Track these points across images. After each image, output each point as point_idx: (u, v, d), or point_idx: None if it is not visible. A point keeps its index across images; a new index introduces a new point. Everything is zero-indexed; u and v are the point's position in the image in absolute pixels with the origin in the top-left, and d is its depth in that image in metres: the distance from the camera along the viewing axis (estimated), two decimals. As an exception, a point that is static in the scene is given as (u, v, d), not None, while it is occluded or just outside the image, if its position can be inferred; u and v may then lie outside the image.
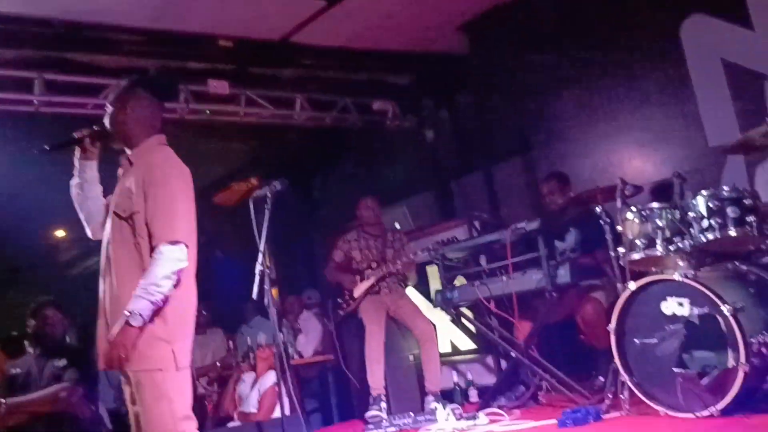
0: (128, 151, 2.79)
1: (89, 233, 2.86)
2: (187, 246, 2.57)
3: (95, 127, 2.78)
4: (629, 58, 5.21)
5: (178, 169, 2.67)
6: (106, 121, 2.79)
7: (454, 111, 6.76)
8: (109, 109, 2.79)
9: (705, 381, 3.08)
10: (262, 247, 3.91)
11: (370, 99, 6.57)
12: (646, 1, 5.17)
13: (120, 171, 2.83)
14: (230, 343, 6.28)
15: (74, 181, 2.82)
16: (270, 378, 4.92)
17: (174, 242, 2.53)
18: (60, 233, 9.51)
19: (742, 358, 2.95)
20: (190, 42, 5.20)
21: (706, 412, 3.06)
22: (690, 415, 3.12)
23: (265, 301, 3.95)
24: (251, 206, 3.93)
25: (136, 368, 2.58)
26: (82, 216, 2.83)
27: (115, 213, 2.66)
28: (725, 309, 3.02)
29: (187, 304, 2.66)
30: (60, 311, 4.09)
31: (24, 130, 4.94)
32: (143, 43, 5.05)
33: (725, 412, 3.01)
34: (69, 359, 3.64)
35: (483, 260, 4.97)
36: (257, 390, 5.01)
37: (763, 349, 2.97)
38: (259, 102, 5.82)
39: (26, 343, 4.37)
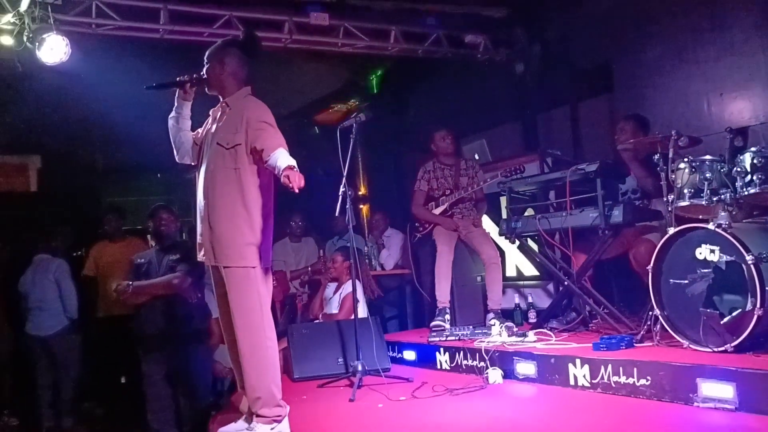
0: (221, 98, 3.49)
1: (177, 157, 3.60)
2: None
3: (195, 75, 3.46)
4: (719, 4, 5.22)
5: (268, 112, 3.39)
6: (205, 72, 3.47)
7: (545, 46, 6.90)
8: (208, 62, 3.47)
9: (724, 321, 3.42)
10: (345, 171, 4.42)
11: (463, 32, 6.79)
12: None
13: (212, 112, 3.55)
14: (321, 251, 6.99)
15: (172, 115, 3.54)
16: (351, 286, 5.56)
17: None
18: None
19: (758, 304, 3.26)
20: (295, -23, 5.67)
21: (721, 348, 3.42)
22: (708, 349, 3.49)
23: (346, 218, 4.51)
24: (338, 135, 4.42)
25: (235, 264, 3.28)
26: (174, 143, 3.57)
27: (219, 144, 3.35)
28: (749, 258, 3.31)
29: (269, 217, 3.40)
30: (172, 213, 4.82)
31: (148, 57, 5.66)
32: (254, -21, 5.57)
33: (738, 348, 3.36)
34: (182, 254, 4.38)
35: (552, 195, 5.33)
36: (339, 295, 5.67)
37: (781, 297, 3.25)
38: (356, 33, 6.23)
39: (148, 237, 5.23)
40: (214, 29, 5.65)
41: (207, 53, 3.52)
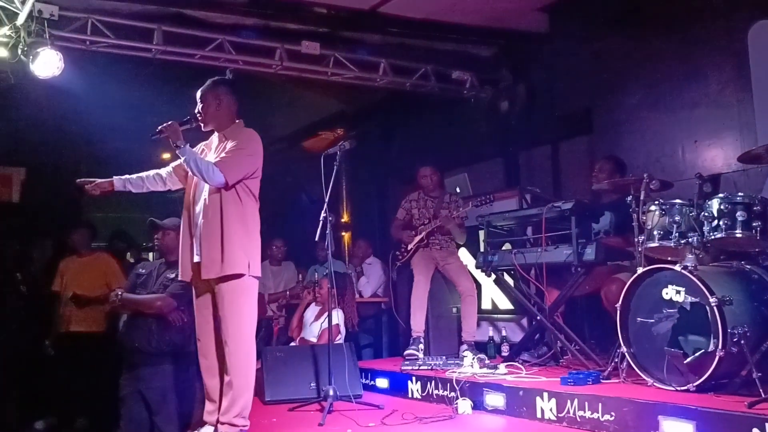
0: (216, 131, 3.84)
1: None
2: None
3: (190, 117, 3.80)
4: (697, 55, 5.40)
5: (252, 140, 3.79)
6: (201, 109, 3.78)
7: (530, 86, 7.07)
8: (202, 101, 3.78)
9: (688, 360, 3.52)
10: (327, 198, 4.50)
11: (451, 68, 6.95)
12: (722, 1, 5.33)
13: (208, 142, 3.94)
14: (300, 276, 7.04)
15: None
16: (334, 317, 5.48)
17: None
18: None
19: (720, 345, 3.37)
20: (289, 7, 5.81)
21: (684, 387, 3.51)
22: (671, 388, 3.58)
23: (326, 244, 4.59)
24: (321, 162, 4.52)
25: (235, 272, 3.61)
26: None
27: None
28: (712, 300, 3.42)
29: (257, 232, 3.78)
30: (174, 230, 4.75)
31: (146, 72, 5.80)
32: (249, 4, 5.70)
33: (700, 388, 3.45)
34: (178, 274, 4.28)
35: (529, 231, 5.44)
36: (319, 323, 5.65)
37: (742, 340, 3.35)
38: (346, 64, 6.37)
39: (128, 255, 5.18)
40: (206, 52, 5.77)
41: (200, 92, 3.81)
